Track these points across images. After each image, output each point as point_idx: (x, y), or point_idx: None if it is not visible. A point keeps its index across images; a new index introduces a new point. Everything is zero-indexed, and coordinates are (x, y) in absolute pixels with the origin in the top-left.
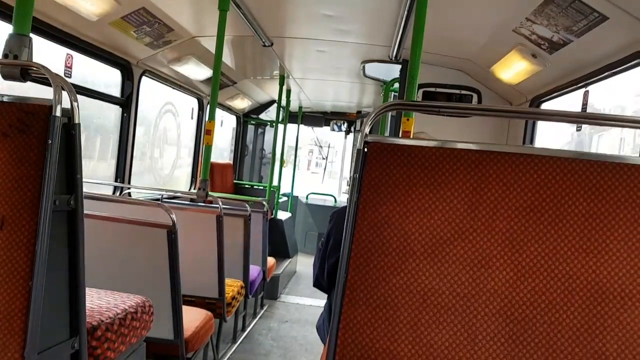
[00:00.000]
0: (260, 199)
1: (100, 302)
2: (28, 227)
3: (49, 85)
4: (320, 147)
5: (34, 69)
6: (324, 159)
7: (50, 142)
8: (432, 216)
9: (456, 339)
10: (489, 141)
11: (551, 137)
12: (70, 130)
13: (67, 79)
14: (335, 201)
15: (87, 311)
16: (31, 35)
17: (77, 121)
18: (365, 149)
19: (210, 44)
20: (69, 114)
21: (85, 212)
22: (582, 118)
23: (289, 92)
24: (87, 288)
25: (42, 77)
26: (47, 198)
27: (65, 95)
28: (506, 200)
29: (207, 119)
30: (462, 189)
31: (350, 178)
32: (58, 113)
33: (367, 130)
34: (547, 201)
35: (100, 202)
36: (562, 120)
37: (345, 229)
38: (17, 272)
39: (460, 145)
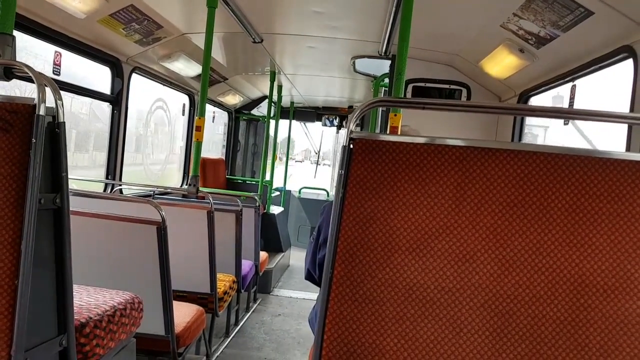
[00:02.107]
0: (252, 193)
1: (89, 299)
2: (13, 226)
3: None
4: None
5: (17, 67)
6: (316, 153)
7: (34, 141)
8: (417, 212)
9: (441, 332)
10: (479, 135)
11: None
12: (55, 128)
13: (55, 76)
14: (328, 195)
15: (75, 308)
16: (20, 33)
17: (61, 120)
18: (351, 146)
19: (200, 41)
20: (53, 112)
21: (74, 209)
22: (568, 114)
23: (280, 87)
24: (76, 286)
25: (26, 75)
26: (32, 197)
27: (50, 94)
28: (490, 195)
29: (197, 115)
30: (447, 185)
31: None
32: (42, 112)
33: (352, 126)
34: (531, 196)
35: (90, 199)
36: (549, 115)
37: (332, 224)
38: (3, 271)
39: (445, 142)
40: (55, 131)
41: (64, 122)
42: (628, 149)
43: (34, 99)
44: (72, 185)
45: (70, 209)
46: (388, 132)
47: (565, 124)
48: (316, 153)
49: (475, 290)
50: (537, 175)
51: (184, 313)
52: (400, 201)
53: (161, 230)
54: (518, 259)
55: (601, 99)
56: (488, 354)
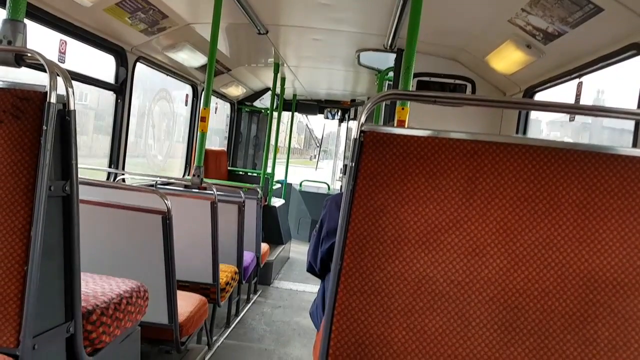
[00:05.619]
0: (254, 185)
1: (96, 286)
2: (23, 213)
3: (44, 71)
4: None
5: (29, 55)
6: (317, 146)
7: (45, 128)
8: (427, 205)
9: (450, 325)
10: (483, 130)
11: None
12: (65, 116)
13: (60, 64)
14: (329, 189)
15: (82, 296)
16: (25, 20)
17: (72, 107)
18: (361, 139)
19: (204, 31)
20: (64, 100)
21: (80, 197)
22: (574, 109)
23: (283, 79)
24: (82, 273)
25: (37, 63)
26: (42, 184)
27: (60, 81)
28: (500, 189)
29: (201, 106)
30: (457, 179)
31: (344, 166)
32: (53, 100)
33: (363, 119)
34: (541, 191)
35: (95, 187)
36: (555, 110)
37: (341, 217)
38: (13, 257)
39: (455, 135)
40: (65, 119)
41: (75, 110)
42: (635, 145)
43: (45, 86)
44: None
45: None
46: (395, 125)
47: (571, 119)
48: (318, 145)
49: (484, 284)
50: (547, 170)
51: (187, 303)
52: (410, 194)
53: (166, 220)
54: (527, 253)
55: (607, 97)
56: (496, 348)
